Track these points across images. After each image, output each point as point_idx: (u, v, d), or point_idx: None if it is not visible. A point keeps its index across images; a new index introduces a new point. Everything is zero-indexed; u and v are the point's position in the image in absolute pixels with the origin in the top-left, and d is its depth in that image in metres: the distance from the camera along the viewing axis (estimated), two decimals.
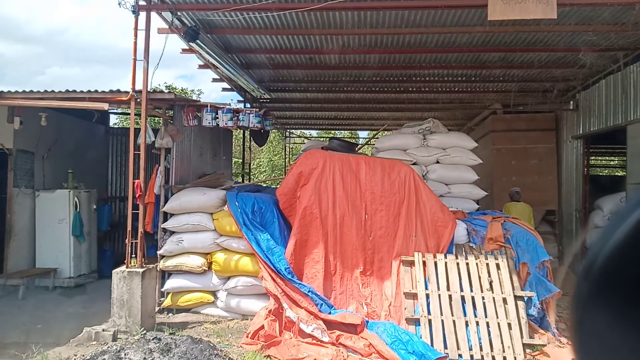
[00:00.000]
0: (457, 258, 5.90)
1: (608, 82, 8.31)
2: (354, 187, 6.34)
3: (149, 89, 6.18)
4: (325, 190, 6.28)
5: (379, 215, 6.27)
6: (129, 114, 7.31)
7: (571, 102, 10.01)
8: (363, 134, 20.60)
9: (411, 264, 5.93)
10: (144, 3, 6.07)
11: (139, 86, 6.14)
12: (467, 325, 5.29)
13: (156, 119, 8.94)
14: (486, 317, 5.33)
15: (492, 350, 5.07)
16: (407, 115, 12.97)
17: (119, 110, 11.71)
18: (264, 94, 10.52)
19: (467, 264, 5.81)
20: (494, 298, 5.48)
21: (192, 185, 7.09)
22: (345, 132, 22.25)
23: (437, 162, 7.61)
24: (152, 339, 4.47)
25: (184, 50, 7.95)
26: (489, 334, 5.20)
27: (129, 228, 6.04)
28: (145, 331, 5.50)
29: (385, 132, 12.92)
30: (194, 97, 19.64)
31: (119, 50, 57.24)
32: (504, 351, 5.06)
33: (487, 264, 5.78)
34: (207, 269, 6.40)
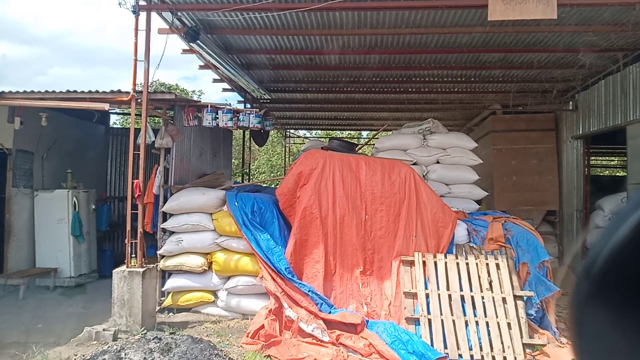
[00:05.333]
0: (457, 258, 5.90)
1: (607, 82, 8.32)
2: (354, 187, 6.34)
3: (149, 89, 6.19)
4: (325, 190, 6.28)
5: (379, 215, 6.27)
6: (129, 114, 7.31)
7: (571, 103, 10.01)
8: (366, 133, 20.57)
9: (411, 263, 5.94)
10: (144, 3, 6.07)
11: (139, 86, 6.15)
12: (467, 325, 5.30)
13: (156, 119, 8.94)
14: (486, 316, 5.34)
15: (492, 350, 5.08)
16: (407, 116, 12.97)
17: (120, 111, 11.71)
18: (264, 94, 10.53)
19: (467, 263, 5.82)
20: (493, 298, 5.49)
21: (191, 185, 7.09)
22: (348, 132, 22.22)
23: (437, 162, 7.62)
24: (153, 339, 4.47)
25: (184, 51, 7.95)
26: (489, 334, 5.21)
27: (129, 228, 6.04)
28: (145, 331, 5.50)
29: (385, 132, 12.92)
30: (195, 98, 19.66)
31: (122, 51, 57.27)
32: (504, 351, 5.06)
33: (487, 264, 5.78)
34: (207, 268, 6.40)
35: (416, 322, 5.40)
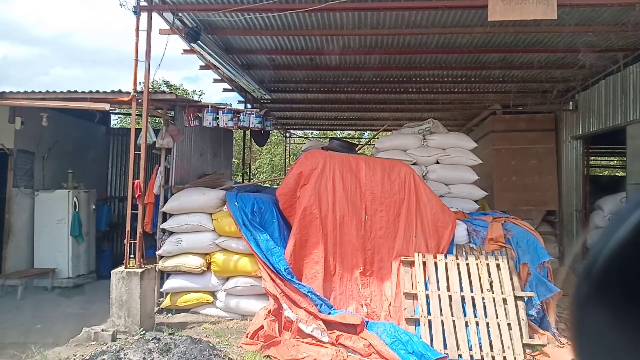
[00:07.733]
0: (457, 258, 5.90)
1: (607, 82, 8.31)
2: (354, 187, 6.34)
3: (150, 89, 6.19)
4: (325, 190, 6.28)
5: (379, 215, 6.27)
6: (129, 114, 7.31)
7: (571, 103, 10.01)
8: (367, 134, 20.58)
9: (411, 264, 5.93)
10: (145, 4, 6.07)
11: (140, 86, 6.15)
12: (467, 325, 5.29)
13: (157, 119, 8.94)
14: (486, 317, 5.33)
15: (492, 351, 5.07)
16: (407, 116, 12.97)
17: (120, 111, 11.72)
18: (265, 94, 10.52)
19: (467, 264, 5.81)
20: (494, 298, 5.48)
21: (191, 185, 7.09)
22: (349, 132, 22.22)
23: (437, 163, 7.61)
24: (152, 339, 4.47)
25: (185, 51, 7.95)
26: (489, 334, 5.20)
27: (128, 228, 6.03)
28: (144, 331, 5.49)
29: (386, 132, 12.92)
30: (195, 98, 19.67)
31: (123, 52, 57.29)
32: (503, 351, 5.06)
33: (488, 265, 5.78)
34: (206, 269, 6.40)
35: (416, 322, 5.40)
